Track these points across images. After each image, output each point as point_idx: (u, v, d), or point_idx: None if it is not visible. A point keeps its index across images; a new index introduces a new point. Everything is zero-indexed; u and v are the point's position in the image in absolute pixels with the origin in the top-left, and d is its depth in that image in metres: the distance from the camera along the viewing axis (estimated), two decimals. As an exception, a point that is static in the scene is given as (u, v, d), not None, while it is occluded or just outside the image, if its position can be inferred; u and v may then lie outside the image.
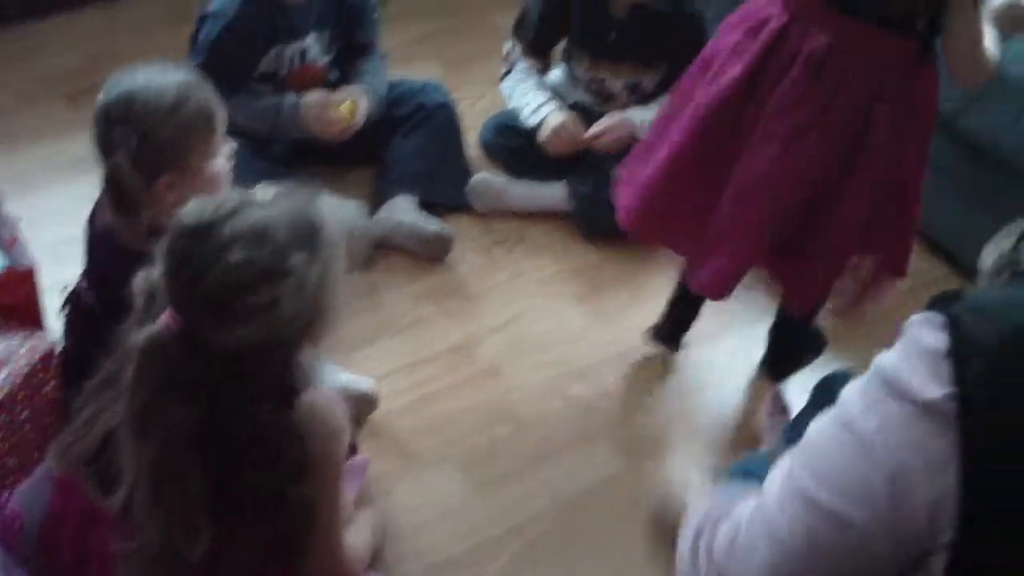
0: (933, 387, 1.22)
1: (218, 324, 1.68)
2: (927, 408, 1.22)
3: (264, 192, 1.79)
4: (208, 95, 2.30)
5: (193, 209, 1.74)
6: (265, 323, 1.69)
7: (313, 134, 3.16)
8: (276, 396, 1.76)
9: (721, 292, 2.45)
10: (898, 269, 2.45)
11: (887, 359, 1.29)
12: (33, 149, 3.41)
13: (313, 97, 3.14)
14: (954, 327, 1.24)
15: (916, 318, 1.28)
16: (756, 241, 2.35)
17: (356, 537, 2.20)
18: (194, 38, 3.11)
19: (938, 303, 1.28)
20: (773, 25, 2.22)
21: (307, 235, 1.73)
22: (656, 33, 3.19)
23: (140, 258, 1.80)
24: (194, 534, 1.74)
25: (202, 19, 3.10)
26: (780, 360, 2.90)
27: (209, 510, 1.74)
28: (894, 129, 2.22)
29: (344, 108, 3.14)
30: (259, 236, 1.69)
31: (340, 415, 1.89)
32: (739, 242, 2.35)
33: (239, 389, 1.72)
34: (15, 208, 2.79)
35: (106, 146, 2.21)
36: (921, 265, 3.11)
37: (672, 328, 2.91)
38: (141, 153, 2.17)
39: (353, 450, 2.46)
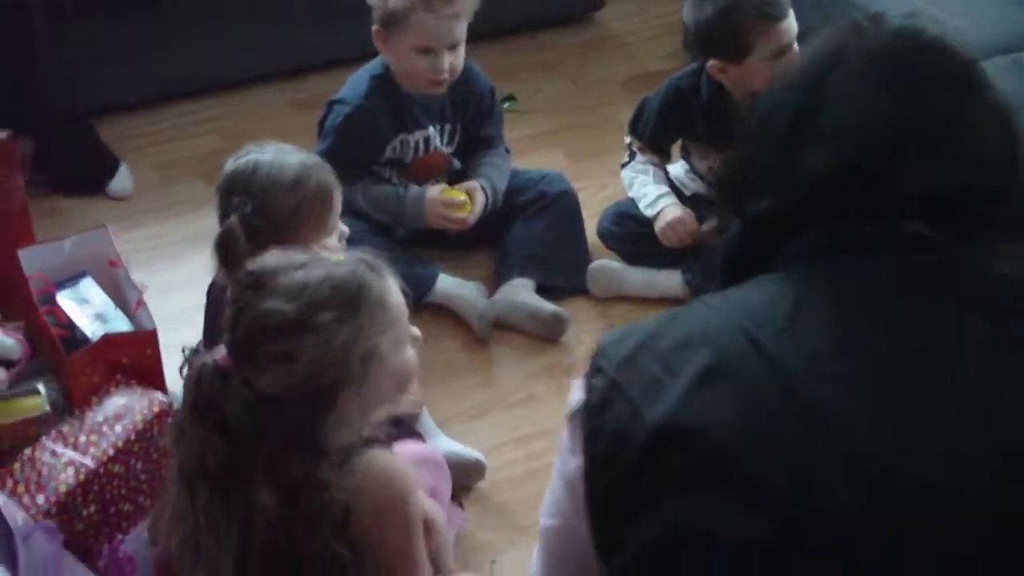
0: (577, 398, 1.33)
1: (246, 366, 1.76)
2: (572, 415, 1.34)
3: (338, 255, 1.86)
4: (328, 176, 2.41)
5: (263, 259, 1.84)
6: (285, 373, 1.75)
7: (432, 226, 3.26)
8: (304, 450, 1.78)
9: None
10: None
11: None
12: (171, 223, 3.58)
13: (434, 193, 3.22)
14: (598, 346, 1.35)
15: None
16: None
17: None
18: (321, 123, 3.23)
19: None
20: None
21: (346, 298, 1.79)
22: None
23: None
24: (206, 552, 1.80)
25: (330, 105, 3.22)
26: None
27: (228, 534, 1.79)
28: None
29: (464, 206, 3.22)
30: (298, 290, 1.76)
31: (401, 476, 1.90)
32: None
33: (264, 433, 1.76)
34: (151, 277, 2.95)
35: (224, 210, 2.33)
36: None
37: None
38: (255, 221, 2.28)
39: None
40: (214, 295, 2.46)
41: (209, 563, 1.81)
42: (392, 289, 1.87)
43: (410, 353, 1.93)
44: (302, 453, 1.77)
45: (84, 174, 3.68)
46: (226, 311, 1.82)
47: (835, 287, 1.29)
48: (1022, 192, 1.34)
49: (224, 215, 2.33)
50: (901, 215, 1.29)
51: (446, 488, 2.38)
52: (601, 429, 1.29)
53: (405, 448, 2.22)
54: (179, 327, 2.76)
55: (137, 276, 2.91)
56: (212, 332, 2.48)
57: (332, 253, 2.39)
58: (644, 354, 1.29)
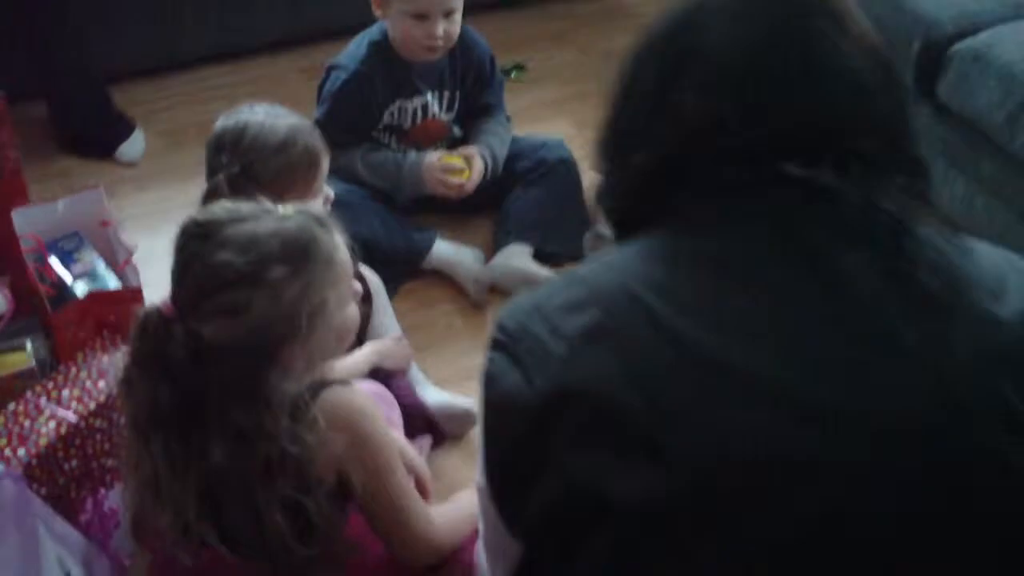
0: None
1: (192, 316, 1.75)
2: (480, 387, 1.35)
3: (286, 208, 1.86)
4: (316, 140, 2.42)
5: (212, 208, 1.83)
6: (233, 325, 1.74)
7: (431, 193, 3.27)
8: (248, 401, 1.77)
9: None
10: None
11: None
12: (176, 188, 3.59)
13: (432, 159, 3.25)
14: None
15: None
16: None
17: (452, 512, 2.10)
18: (321, 88, 3.26)
19: None
20: None
21: (297, 253, 1.78)
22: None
23: None
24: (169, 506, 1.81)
25: (329, 70, 3.26)
26: None
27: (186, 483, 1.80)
28: None
29: (462, 173, 3.24)
30: (249, 243, 1.75)
31: (359, 406, 1.90)
32: None
33: (210, 383, 1.76)
34: (156, 241, 2.96)
35: (212, 168, 2.35)
36: None
37: None
38: (241, 182, 2.29)
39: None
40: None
41: (175, 504, 1.80)
42: (340, 245, 1.86)
43: (353, 309, 1.93)
44: (246, 404, 1.76)
45: (96, 136, 3.72)
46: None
47: (715, 234, 1.28)
48: (899, 127, 1.33)
49: (212, 172, 2.35)
50: (779, 156, 1.27)
51: (396, 417, 2.39)
52: (498, 400, 1.30)
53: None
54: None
55: (140, 240, 2.95)
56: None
57: None
58: (535, 320, 1.29)
